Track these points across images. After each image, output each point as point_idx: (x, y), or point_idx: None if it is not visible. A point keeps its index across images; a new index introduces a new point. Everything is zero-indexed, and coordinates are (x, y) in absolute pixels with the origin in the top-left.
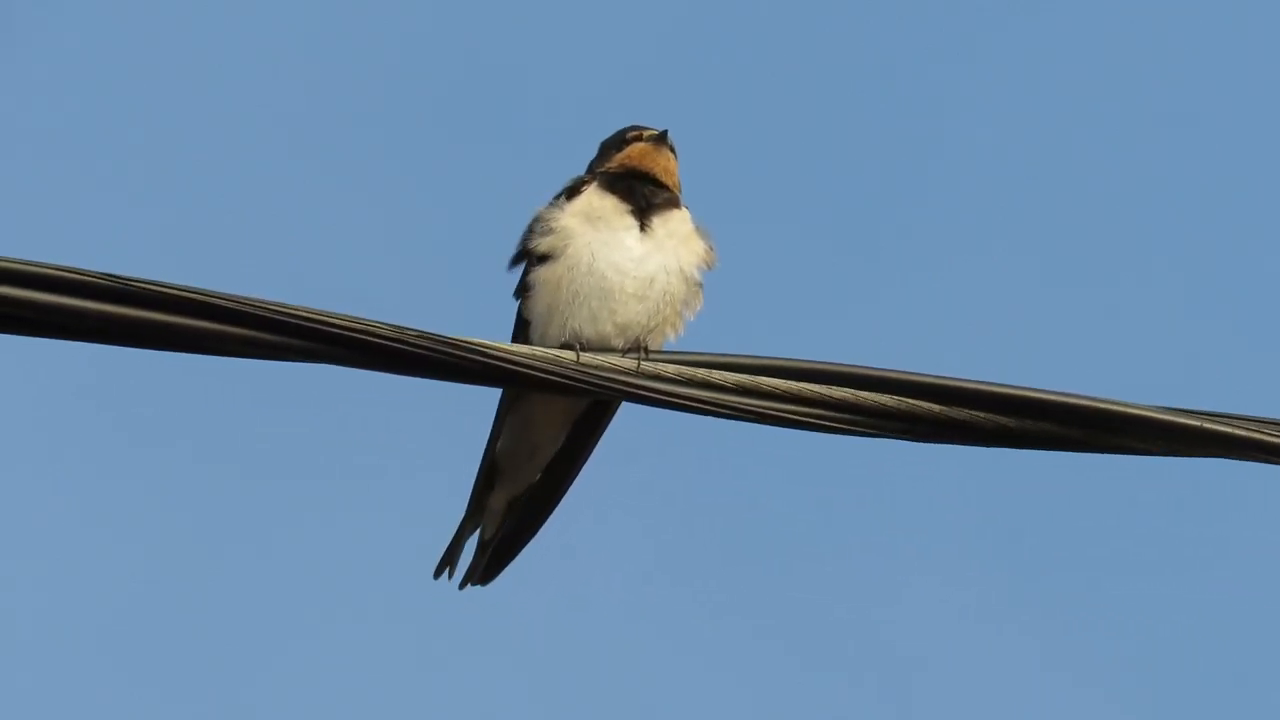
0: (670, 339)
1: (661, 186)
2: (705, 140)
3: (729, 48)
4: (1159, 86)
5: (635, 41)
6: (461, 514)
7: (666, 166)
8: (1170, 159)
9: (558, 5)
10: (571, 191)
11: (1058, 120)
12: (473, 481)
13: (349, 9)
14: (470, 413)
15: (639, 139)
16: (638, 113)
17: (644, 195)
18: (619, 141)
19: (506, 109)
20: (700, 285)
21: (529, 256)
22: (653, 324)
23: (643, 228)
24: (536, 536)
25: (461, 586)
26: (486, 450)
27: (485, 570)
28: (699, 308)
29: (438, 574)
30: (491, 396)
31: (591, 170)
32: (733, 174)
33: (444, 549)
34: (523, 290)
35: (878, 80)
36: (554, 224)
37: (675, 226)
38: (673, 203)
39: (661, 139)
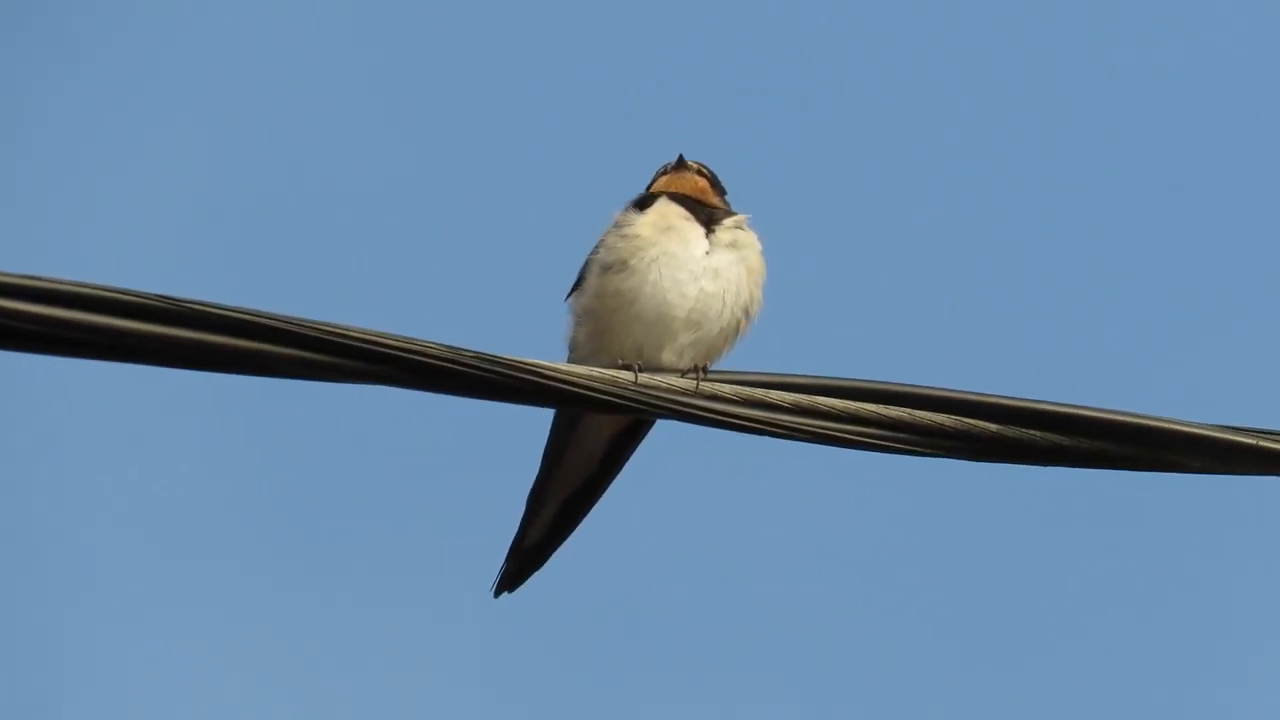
0: (723, 358)
1: (712, 207)
2: (757, 153)
3: (779, 64)
4: (1209, 90)
5: (695, 61)
6: (515, 530)
7: (696, 186)
8: (1205, 163)
9: (618, 29)
10: (642, 203)
11: (1104, 124)
12: (527, 495)
13: (440, 32)
14: (524, 429)
15: (663, 172)
16: (695, 131)
17: (709, 215)
18: (661, 171)
19: (560, 132)
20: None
21: (594, 265)
22: (709, 348)
23: (709, 247)
24: (564, 545)
25: (496, 594)
26: (543, 463)
27: (515, 578)
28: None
29: (498, 592)
30: (544, 413)
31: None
32: (783, 189)
33: (501, 565)
34: (583, 297)
35: (937, 88)
36: (627, 233)
37: (748, 253)
38: (731, 215)
39: (680, 165)
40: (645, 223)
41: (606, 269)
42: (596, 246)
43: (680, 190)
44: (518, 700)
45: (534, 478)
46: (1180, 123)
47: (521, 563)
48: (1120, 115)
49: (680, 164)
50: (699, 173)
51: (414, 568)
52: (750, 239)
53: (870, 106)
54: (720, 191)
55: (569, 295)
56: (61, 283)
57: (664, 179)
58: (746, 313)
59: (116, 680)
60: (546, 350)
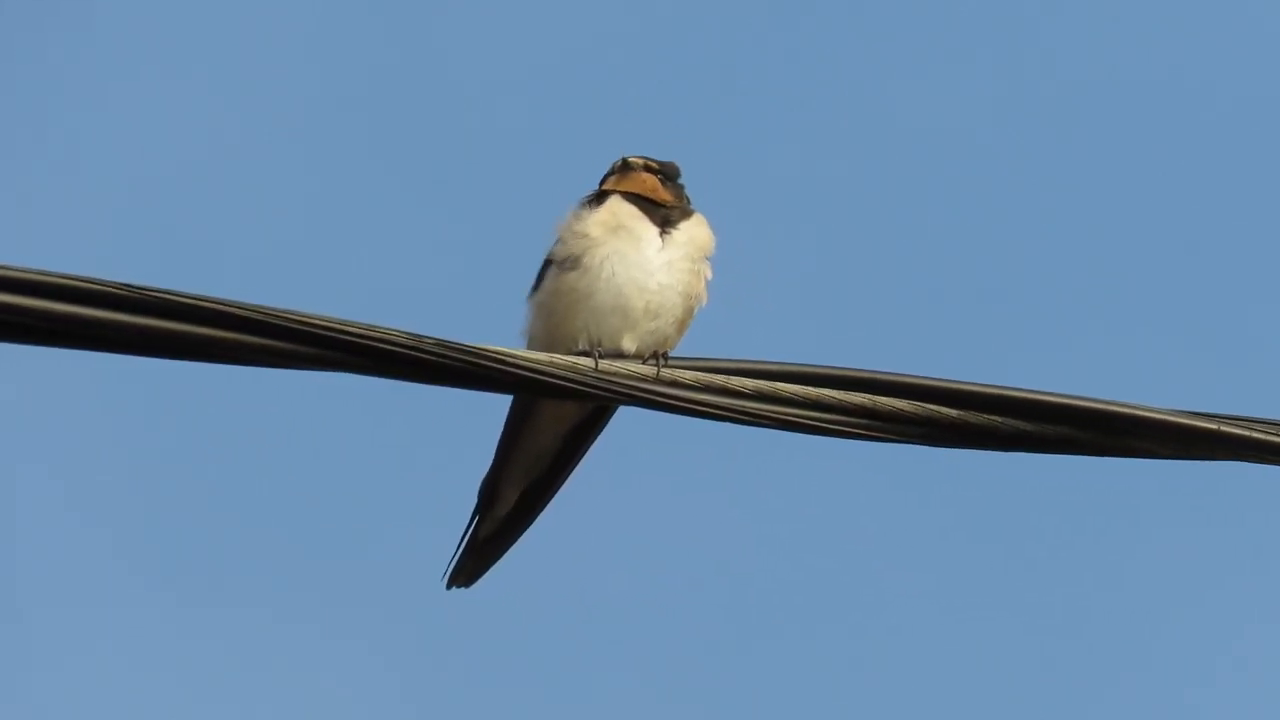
0: (679, 343)
1: (660, 204)
2: (718, 142)
3: (737, 52)
4: (1157, 79)
5: (654, 45)
6: (467, 520)
7: (646, 185)
8: (1175, 152)
9: (575, 13)
10: (594, 200)
11: (1065, 115)
12: (479, 487)
13: (372, 17)
14: (482, 417)
15: (612, 172)
16: (652, 120)
17: (665, 215)
18: (610, 172)
19: (522, 115)
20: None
21: (550, 263)
22: (665, 336)
23: (662, 245)
24: (521, 538)
25: (448, 587)
26: (497, 454)
27: (472, 571)
28: (704, 304)
29: (451, 584)
30: (504, 401)
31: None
32: (747, 177)
33: (453, 557)
34: (540, 293)
35: (888, 77)
36: (578, 231)
37: (694, 241)
38: (686, 214)
39: (626, 167)
40: (595, 222)
41: (561, 267)
42: (553, 242)
43: (630, 190)
44: (485, 697)
45: (487, 470)
46: (1157, 112)
47: (476, 557)
48: (1098, 105)
49: (625, 166)
50: (646, 168)
51: (367, 561)
52: (702, 235)
53: (840, 93)
54: (676, 183)
55: (531, 290)
56: (22, 270)
57: (613, 179)
58: (692, 308)
59: None
60: (509, 340)
